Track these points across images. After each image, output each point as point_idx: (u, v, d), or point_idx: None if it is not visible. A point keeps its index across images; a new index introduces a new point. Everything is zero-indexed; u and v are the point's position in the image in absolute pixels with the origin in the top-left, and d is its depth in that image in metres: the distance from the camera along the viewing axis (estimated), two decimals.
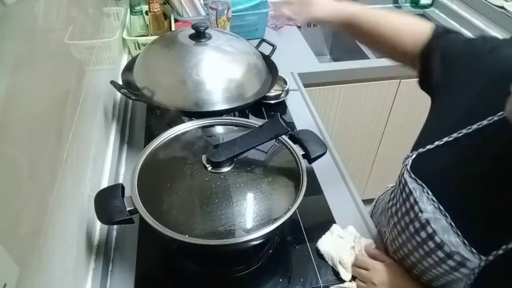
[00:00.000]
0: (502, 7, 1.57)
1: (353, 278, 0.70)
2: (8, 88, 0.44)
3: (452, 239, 0.52)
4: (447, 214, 0.54)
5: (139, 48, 1.29)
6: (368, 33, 0.76)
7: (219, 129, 0.80)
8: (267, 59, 1.09)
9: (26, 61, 0.51)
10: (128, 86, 0.93)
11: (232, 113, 1.03)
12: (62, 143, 0.61)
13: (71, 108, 0.68)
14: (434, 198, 0.56)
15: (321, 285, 0.70)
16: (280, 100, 1.16)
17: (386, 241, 0.72)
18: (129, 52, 1.35)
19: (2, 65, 0.43)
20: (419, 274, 0.62)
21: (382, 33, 0.74)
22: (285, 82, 1.17)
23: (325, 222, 0.81)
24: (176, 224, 0.59)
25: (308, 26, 1.79)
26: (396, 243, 0.65)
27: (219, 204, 0.61)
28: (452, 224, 0.53)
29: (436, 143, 0.58)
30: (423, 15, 1.83)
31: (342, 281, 0.70)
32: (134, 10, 1.30)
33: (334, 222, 0.80)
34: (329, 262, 0.72)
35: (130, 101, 1.14)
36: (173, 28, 1.32)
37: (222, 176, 0.65)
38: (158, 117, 1.10)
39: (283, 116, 1.13)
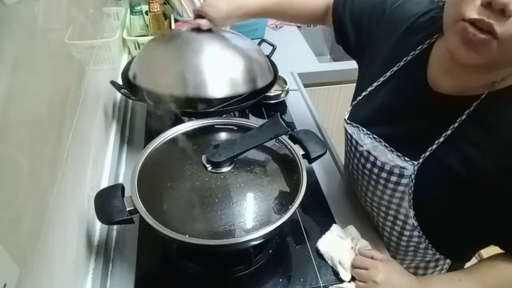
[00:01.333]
0: None
1: (353, 278, 0.70)
2: (8, 88, 0.44)
3: (389, 157, 0.67)
4: (381, 140, 0.69)
5: (139, 48, 1.29)
6: (277, 18, 1.02)
7: (219, 129, 0.79)
8: (267, 59, 1.09)
9: (26, 61, 0.51)
10: (128, 85, 0.92)
11: (232, 113, 1.03)
12: (62, 143, 0.61)
13: (71, 108, 0.68)
14: (369, 132, 0.72)
15: (321, 285, 0.70)
16: (280, 100, 1.16)
17: (355, 192, 0.86)
18: (129, 52, 1.35)
19: (2, 65, 0.43)
20: (378, 206, 0.75)
21: (290, 17, 0.97)
22: (285, 82, 1.17)
23: (325, 222, 0.81)
24: (176, 224, 0.59)
25: (308, 26, 1.80)
26: (358, 187, 0.80)
27: (219, 204, 0.61)
28: (386, 145, 0.68)
29: (363, 93, 0.75)
30: None
31: (341, 281, 0.70)
32: (134, 10, 1.30)
33: (334, 222, 0.80)
34: (329, 262, 0.72)
35: (130, 101, 1.14)
36: (173, 28, 1.32)
37: (222, 176, 0.65)
38: (158, 117, 1.10)
39: (283, 116, 1.13)
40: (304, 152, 0.73)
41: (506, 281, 0.64)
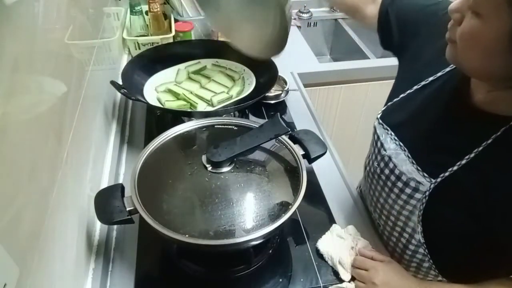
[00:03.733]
0: None
1: (353, 278, 0.70)
2: (8, 88, 0.44)
3: (408, 168, 0.65)
4: (405, 149, 0.67)
5: (139, 48, 1.29)
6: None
7: (219, 129, 0.79)
8: (267, 59, 1.09)
9: (26, 61, 0.51)
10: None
11: (232, 113, 1.03)
12: (62, 143, 0.61)
13: (71, 108, 0.68)
14: (396, 138, 0.70)
15: (321, 285, 0.70)
16: (280, 100, 1.16)
17: (365, 196, 0.84)
18: (129, 52, 1.35)
19: (2, 65, 0.43)
20: (388, 215, 0.74)
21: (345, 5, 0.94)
22: (285, 82, 1.17)
23: (325, 222, 0.81)
24: (176, 224, 0.59)
25: (308, 26, 1.80)
26: (371, 192, 0.78)
27: (219, 204, 0.61)
28: (409, 156, 0.66)
29: (401, 95, 0.72)
30: None
31: (341, 281, 0.70)
32: (134, 10, 1.30)
33: (334, 222, 0.80)
34: (329, 262, 0.72)
35: (130, 101, 1.14)
36: (173, 28, 1.32)
37: (222, 176, 0.65)
38: (158, 117, 1.10)
39: (283, 116, 1.13)
40: (304, 152, 0.73)
41: None
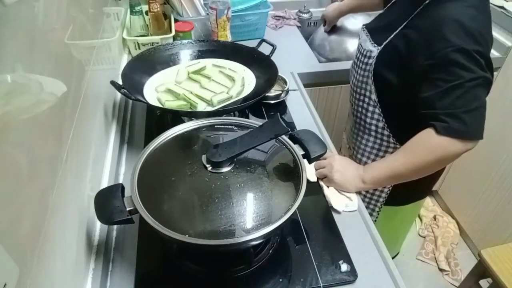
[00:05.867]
0: (502, 7, 1.57)
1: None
2: (8, 88, 0.44)
3: (367, 43, 0.96)
4: (367, 33, 0.98)
5: (139, 48, 1.29)
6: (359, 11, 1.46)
7: (219, 129, 0.79)
8: (267, 59, 1.09)
9: (26, 61, 0.51)
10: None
11: (232, 113, 1.03)
12: (62, 143, 0.61)
13: (71, 108, 0.68)
14: (366, 30, 1.00)
15: (321, 285, 0.70)
16: (280, 100, 1.16)
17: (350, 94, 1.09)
18: (129, 52, 1.35)
19: (2, 64, 0.43)
20: (356, 89, 1.01)
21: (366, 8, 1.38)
22: (285, 82, 1.17)
23: (326, 222, 0.81)
24: (176, 224, 0.59)
25: (308, 26, 1.80)
26: (353, 83, 1.03)
27: (219, 204, 0.61)
28: (368, 34, 0.98)
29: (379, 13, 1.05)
30: None
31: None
32: (134, 10, 1.30)
33: (334, 222, 0.80)
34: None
35: (130, 101, 1.14)
36: (173, 28, 1.32)
37: (222, 176, 0.65)
38: (158, 117, 1.10)
39: (283, 116, 1.13)
40: (304, 152, 0.73)
41: (421, 144, 0.81)
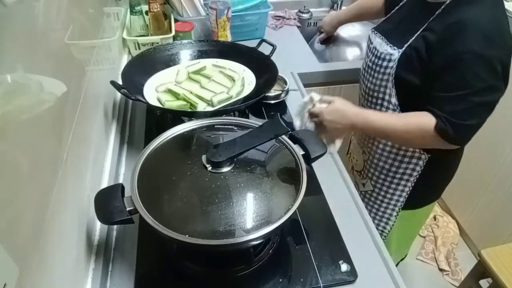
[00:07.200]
0: None
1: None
2: (8, 88, 0.44)
3: (383, 46, 0.95)
4: (382, 36, 0.98)
5: (139, 48, 1.29)
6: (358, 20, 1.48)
7: (219, 129, 0.79)
8: (267, 59, 1.09)
9: (26, 61, 0.51)
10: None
11: (232, 113, 1.03)
12: (62, 143, 0.61)
13: (71, 108, 0.68)
14: (379, 33, 1.00)
15: (321, 285, 0.70)
16: (280, 100, 1.16)
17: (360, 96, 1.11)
18: (129, 52, 1.35)
19: (2, 64, 0.43)
20: (371, 93, 1.01)
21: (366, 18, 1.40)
22: (285, 82, 1.17)
23: (326, 222, 0.81)
24: (176, 224, 0.59)
25: (308, 26, 1.80)
26: (363, 86, 1.05)
27: (219, 204, 0.61)
28: (382, 37, 0.98)
29: (388, 15, 1.05)
30: None
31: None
32: (134, 10, 1.30)
33: (334, 222, 0.80)
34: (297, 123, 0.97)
35: (130, 101, 1.14)
36: (173, 28, 1.32)
37: (222, 176, 0.65)
38: (158, 117, 1.10)
39: (283, 116, 1.13)
40: (304, 152, 0.73)
41: (420, 128, 0.84)
